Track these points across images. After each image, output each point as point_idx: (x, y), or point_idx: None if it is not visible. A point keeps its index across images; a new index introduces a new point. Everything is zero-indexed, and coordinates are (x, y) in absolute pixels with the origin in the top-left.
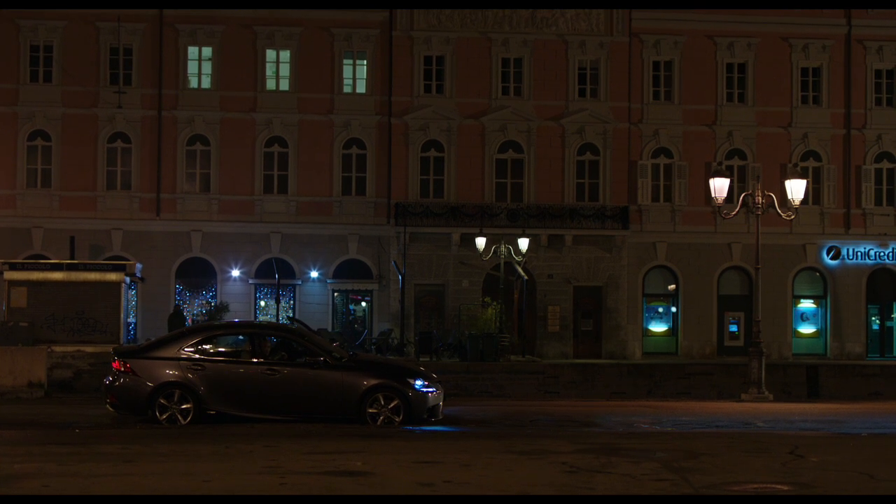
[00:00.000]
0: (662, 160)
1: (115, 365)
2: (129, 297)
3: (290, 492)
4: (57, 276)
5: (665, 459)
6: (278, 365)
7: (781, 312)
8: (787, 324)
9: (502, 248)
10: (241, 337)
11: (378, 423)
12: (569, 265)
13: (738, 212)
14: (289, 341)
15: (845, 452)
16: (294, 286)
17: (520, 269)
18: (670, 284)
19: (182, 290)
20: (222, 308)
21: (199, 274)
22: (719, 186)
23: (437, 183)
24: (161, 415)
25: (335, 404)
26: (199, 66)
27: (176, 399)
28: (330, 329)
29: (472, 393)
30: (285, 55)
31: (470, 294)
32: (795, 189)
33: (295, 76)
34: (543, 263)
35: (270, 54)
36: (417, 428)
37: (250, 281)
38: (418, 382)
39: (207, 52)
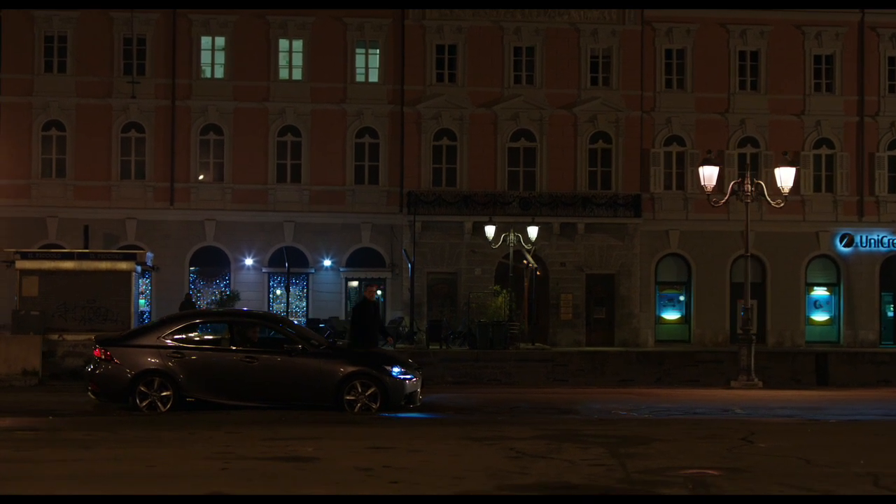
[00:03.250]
0: (675, 148)
1: (97, 353)
2: (141, 286)
3: (228, 476)
4: (68, 265)
5: (615, 445)
6: (256, 353)
7: (794, 300)
8: (801, 311)
9: (511, 236)
10: (221, 325)
11: (356, 409)
12: (581, 253)
13: (727, 199)
14: (268, 329)
15: (798, 438)
16: (307, 275)
17: (529, 258)
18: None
19: (196, 278)
20: (232, 297)
21: (213, 263)
22: (709, 175)
23: (449, 171)
24: (141, 402)
25: (313, 391)
26: (212, 55)
27: (156, 386)
28: (342, 317)
29: (482, 380)
30: (298, 45)
31: (482, 282)
32: (785, 177)
33: (308, 65)
34: (556, 252)
35: (283, 44)
36: (393, 415)
37: (264, 270)
38: (395, 370)
39: (221, 41)
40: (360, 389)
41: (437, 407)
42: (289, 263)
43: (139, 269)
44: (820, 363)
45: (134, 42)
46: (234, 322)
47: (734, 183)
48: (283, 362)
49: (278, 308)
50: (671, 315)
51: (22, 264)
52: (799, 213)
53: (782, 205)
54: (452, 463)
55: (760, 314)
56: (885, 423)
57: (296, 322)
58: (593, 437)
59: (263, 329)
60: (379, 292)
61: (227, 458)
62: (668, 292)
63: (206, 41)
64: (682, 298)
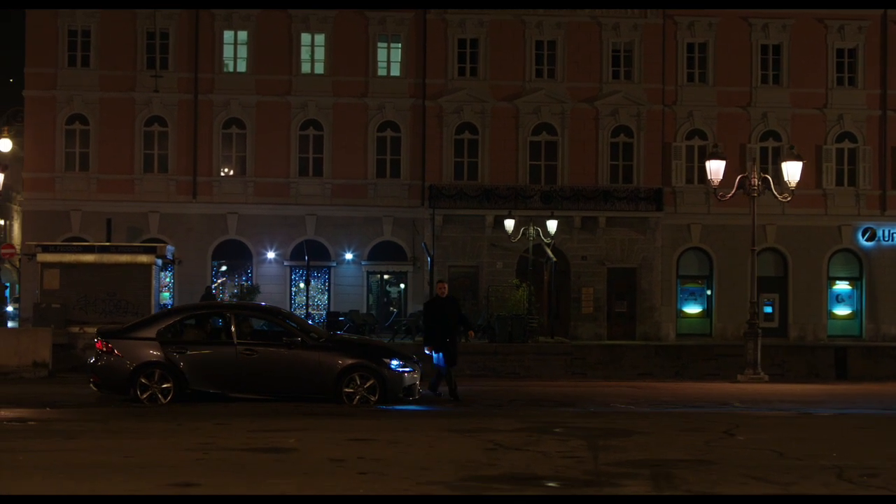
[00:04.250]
0: (697, 142)
1: (98, 345)
2: (164, 279)
3: (200, 466)
4: (89, 258)
5: (595, 437)
6: (256, 345)
7: (816, 294)
8: (822, 305)
9: (531, 229)
10: (221, 317)
11: (354, 402)
12: (602, 247)
13: (734, 193)
14: (268, 322)
15: (780, 431)
16: (329, 268)
17: (549, 251)
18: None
19: (218, 271)
20: (252, 290)
21: (236, 256)
22: (715, 169)
23: (470, 165)
24: (142, 394)
25: (312, 384)
26: (234, 49)
27: (156, 378)
28: (364, 310)
29: (500, 374)
30: (320, 38)
31: (504, 276)
32: (791, 171)
33: (330, 59)
34: (577, 245)
35: (305, 38)
36: (390, 407)
37: (286, 263)
38: (394, 362)
39: (243, 35)
40: (358, 382)
41: (435, 400)
42: (308, 257)
43: (159, 262)
44: (839, 357)
45: (157, 36)
46: (234, 315)
47: (741, 177)
48: (282, 354)
49: (300, 301)
50: (693, 309)
51: (43, 257)
52: (821, 207)
53: (789, 199)
54: (426, 454)
55: (782, 308)
56: (875, 417)
57: (315, 315)
58: (577, 430)
59: (264, 322)
60: (402, 285)
61: (207, 449)
62: (690, 286)
63: (228, 35)
64: (708, 292)
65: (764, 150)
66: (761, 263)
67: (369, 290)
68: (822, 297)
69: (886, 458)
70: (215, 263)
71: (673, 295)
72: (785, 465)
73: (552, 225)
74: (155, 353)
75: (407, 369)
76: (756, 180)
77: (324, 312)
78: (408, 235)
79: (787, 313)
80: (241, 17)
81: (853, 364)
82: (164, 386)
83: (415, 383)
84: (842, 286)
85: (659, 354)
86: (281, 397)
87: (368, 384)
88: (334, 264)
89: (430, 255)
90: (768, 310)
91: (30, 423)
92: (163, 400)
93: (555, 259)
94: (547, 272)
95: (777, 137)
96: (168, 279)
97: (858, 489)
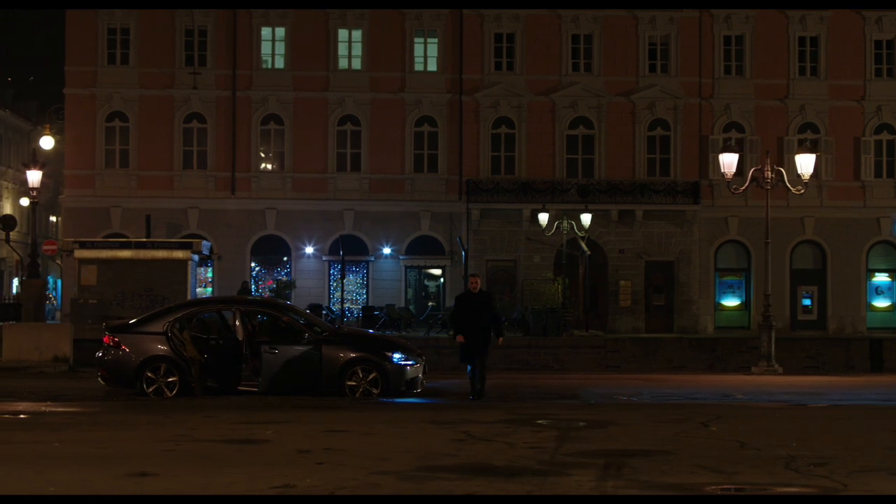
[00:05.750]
0: (734, 135)
1: (105, 339)
2: (202, 274)
3: (164, 457)
4: (125, 254)
5: (570, 429)
6: (261, 339)
7: (855, 286)
8: (861, 298)
9: (564, 223)
10: (227, 312)
11: (357, 395)
12: (640, 240)
13: (747, 186)
14: (272, 316)
15: (757, 422)
16: (367, 262)
17: (583, 245)
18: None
19: (257, 266)
20: (286, 285)
21: (274, 251)
22: (728, 162)
23: (507, 159)
24: (148, 388)
25: (316, 377)
26: (272, 46)
27: (162, 372)
28: (402, 305)
29: (534, 367)
30: (357, 34)
31: (541, 270)
32: (804, 164)
33: (367, 55)
34: (614, 239)
35: (342, 34)
36: (390, 400)
37: (324, 258)
38: (396, 355)
39: (280, 32)
40: (361, 375)
41: (439, 393)
42: (346, 252)
43: (196, 257)
44: (874, 349)
45: (195, 33)
46: (239, 309)
47: (754, 170)
48: (287, 348)
49: (338, 296)
50: (731, 302)
51: (80, 253)
52: (860, 199)
53: (802, 192)
54: (393, 445)
55: (821, 300)
56: (865, 408)
57: (355, 310)
58: (559, 422)
59: (268, 316)
60: (441, 280)
61: (181, 441)
62: (728, 279)
63: (266, 32)
64: (747, 285)
65: (802, 143)
66: (800, 256)
67: (407, 285)
68: (861, 290)
69: (845, 448)
70: (254, 259)
71: (711, 288)
72: (741, 454)
73: (586, 218)
74: (161, 347)
75: (409, 362)
76: (769, 173)
77: (361, 307)
78: (445, 230)
79: (825, 306)
80: (279, 14)
81: (889, 356)
82: (170, 380)
83: (417, 376)
84: (881, 278)
85: (693, 347)
86: (284, 391)
87: (371, 377)
88: (372, 259)
89: (464, 249)
90: (807, 302)
91: (21, 416)
92: (168, 394)
93: (588, 252)
94: (582, 266)
95: (815, 129)
96: (209, 274)
97: (802, 478)
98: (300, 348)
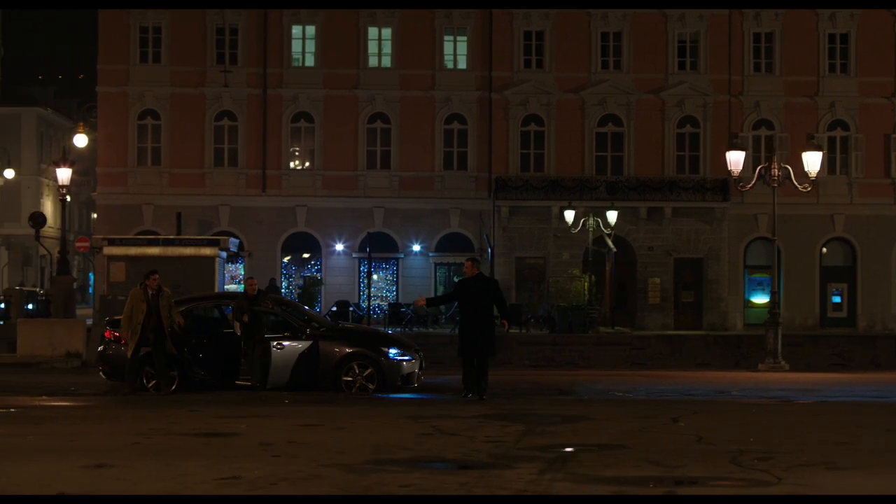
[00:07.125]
0: (763, 132)
1: (106, 334)
2: (234, 271)
3: (129, 450)
4: (153, 251)
5: (539, 424)
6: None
7: (885, 284)
8: (891, 295)
9: (591, 220)
10: (225, 307)
11: (353, 390)
12: (669, 237)
13: (754, 183)
14: (269, 311)
15: (729, 418)
16: (397, 260)
17: (609, 242)
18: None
19: (288, 263)
20: (314, 282)
21: (304, 248)
22: (735, 160)
23: (537, 157)
24: (148, 382)
25: (313, 372)
26: (302, 44)
27: None
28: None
29: (559, 364)
30: (387, 32)
31: (570, 266)
32: (812, 161)
33: (397, 53)
34: (643, 236)
35: (373, 32)
36: (385, 395)
37: (354, 255)
38: (392, 351)
39: (311, 30)
40: (357, 370)
41: (435, 388)
42: (375, 249)
43: (223, 254)
44: None
45: (226, 32)
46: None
47: (761, 167)
48: (285, 344)
49: (366, 293)
50: (760, 299)
51: (109, 250)
52: (890, 197)
53: (809, 189)
54: (357, 439)
55: (851, 298)
56: (850, 404)
57: (385, 307)
58: (534, 417)
59: (265, 311)
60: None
61: (154, 434)
62: (758, 276)
63: (296, 30)
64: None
65: (832, 140)
66: (830, 253)
67: (437, 282)
68: (892, 287)
69: (798, 444)
70: (285, 256)
71: (740, 285)
72: (694, 449)
73: (612, 215)
74: None
75: (405, 357)
76: (776, 171)
77: (386, 304)
78: (475, 227)
79: (855, 303)
80: (309, 13)
81: None
82: (170, 374)
83: (414, 371)
84: None
85: (718, 344)
86: (281, 386)
87: (367, 372)
88: (402, 256)
89: (490, 246)
90: (837, 300)
91: (11, 410)
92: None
93: (615, 250)
94: (608, 263)
95: (845, 126)
96: (240, 271)
97: (741, 472)
98: (297, 343)
